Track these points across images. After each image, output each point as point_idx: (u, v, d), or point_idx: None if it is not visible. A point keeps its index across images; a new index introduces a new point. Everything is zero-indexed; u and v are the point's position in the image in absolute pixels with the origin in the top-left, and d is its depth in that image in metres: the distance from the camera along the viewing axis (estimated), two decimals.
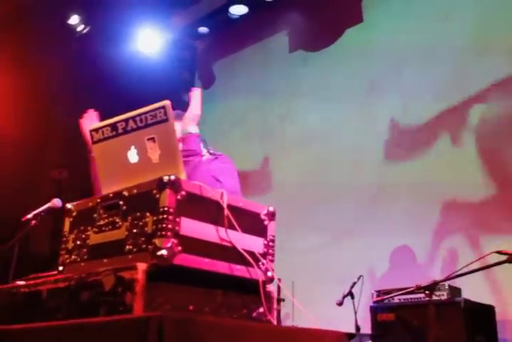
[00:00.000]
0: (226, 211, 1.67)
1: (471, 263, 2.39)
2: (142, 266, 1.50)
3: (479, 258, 2.36)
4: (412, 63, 4.98)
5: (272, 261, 1.82)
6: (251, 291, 1.74)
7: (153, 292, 1.50)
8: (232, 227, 1.69)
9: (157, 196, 1.57)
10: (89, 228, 1.79)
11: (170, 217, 1.54)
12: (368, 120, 5.13)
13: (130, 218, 1.64)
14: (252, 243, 1.77)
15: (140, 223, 1.59)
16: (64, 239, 1.89)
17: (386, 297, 2.90)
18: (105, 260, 1.67)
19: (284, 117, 5.88)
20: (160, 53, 6.61)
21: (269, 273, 1.79)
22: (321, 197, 5.22)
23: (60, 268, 1.84)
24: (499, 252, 2.34)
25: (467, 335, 3.17)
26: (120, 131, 1.83)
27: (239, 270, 1.69)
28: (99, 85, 6.36)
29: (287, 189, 5.54)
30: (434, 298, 3.44)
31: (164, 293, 1.53)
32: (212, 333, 1.32)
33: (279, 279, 1.90)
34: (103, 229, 1.73)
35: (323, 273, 4.91)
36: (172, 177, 1.58)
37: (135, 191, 1.66)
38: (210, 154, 2.72)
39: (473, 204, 4.29)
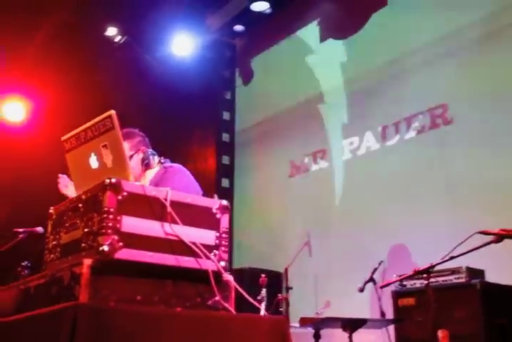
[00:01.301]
0: (169, 208, 1.81)
1: (457, 246, 2.38)
2: (87, 262, 1.67)
3: (463, 241, 2.35)
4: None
5: (225, 252, 1.94)
6: (205, 281, 1.87)
7: (99, 284, 1.66)
8: (179, 222, 1.83)
9: (101, 198, 1.74)
10: (61, 229, 1.99)
11: (111, 216, 1.71)
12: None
13: (85, 219, 1.82)
14: (203, 235, 1.90)
15: (90, 223, 1.77)
16: (47, 239, 2.11)
17: (391, 282, 2.92)
18: (69, 257, 1.87)
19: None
20: (199, 55, 6.82)
21: (223, 263, 1.92)
22: None
23: (44, 266, 2.07)
24: (482, 232, 2.32)
25: (484, 318, 3.11)
26: (82, 140, 2.02)
27: (187, 261, 1.83)
28: (142, 91, 6.68)
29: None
30: (454, 281, 3.43)
31: (110, 285, 1.69)
32: (129, 321, 1.47)
33: (231, 271, 2.00)
34: (69, 229, 1.92)
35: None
36: (113, 180, 1.74)
37: (88, 194, 1.84)
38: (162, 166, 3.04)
39: None
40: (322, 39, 5.96)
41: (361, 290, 3.69)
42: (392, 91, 5.21)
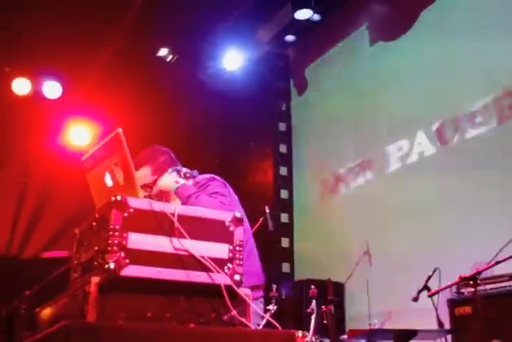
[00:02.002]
0: (176, 223, 1.79)
1: (500, 250, 2.21)
2: (95, 280, 1.68)
3: (505, 245, 2.18)
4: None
5: (239, 265, 1.90)
6: (220, 296, 1.83)
7: (107, 302, 1.67)
8: (189, 237, 1.81)
9: (108, 216, 1.76)
10: (81, 248, 2.03)
11: (117, 233, 1.71)
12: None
13: (97, 237, 1.85)
14: (215, 249, 1.87)
15: (99, 241, 1.79)
16: (73, 259, 2.16)
17: (439, 290, 2.75)
18: (86, 276, 1.89)
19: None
20: (252, 68, 6.86)
21: (237, 277, 1.88)
22: None
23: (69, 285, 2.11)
24: None
25: None
26: (97, 160, 2.06)
27: (198, 276, 1.80)
28: (200, 107, 6.79)
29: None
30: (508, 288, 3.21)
31: (119, 303, 1.69)
32: (122, 339, 1.46)
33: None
34: (87, 248, 1.95)
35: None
36: (118, 198, 1.75)
37: (100, 213, 1.87)
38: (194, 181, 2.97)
39: None
40: (372, 42, 5.83)
41: (416, 299, 3.51)
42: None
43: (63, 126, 7.34)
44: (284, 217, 6.67)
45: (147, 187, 3.02)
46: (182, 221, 1.82)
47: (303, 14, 5.83)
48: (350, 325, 5.52)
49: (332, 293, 3.70)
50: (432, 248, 4.79)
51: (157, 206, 1.81)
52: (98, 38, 6.32)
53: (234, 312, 1.84)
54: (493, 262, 2.33)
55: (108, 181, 2.01)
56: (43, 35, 6.35)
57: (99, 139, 7.26)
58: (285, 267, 6.47)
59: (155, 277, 1.74)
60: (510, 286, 3.20)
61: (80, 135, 7.43)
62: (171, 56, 6.12)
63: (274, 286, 4.02)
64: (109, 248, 1.70)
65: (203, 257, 1.80)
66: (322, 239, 6.11)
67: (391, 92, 5.63)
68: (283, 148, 6.93)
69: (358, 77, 6.03)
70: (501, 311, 3.09)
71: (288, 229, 6.63)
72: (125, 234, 1.73)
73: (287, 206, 6.70)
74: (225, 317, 1.85)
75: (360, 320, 5.14)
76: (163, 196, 3.00)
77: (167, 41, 6.24)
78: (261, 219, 4.52)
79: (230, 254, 1.89)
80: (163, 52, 6.12)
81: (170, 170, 3.01)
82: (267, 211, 4.47)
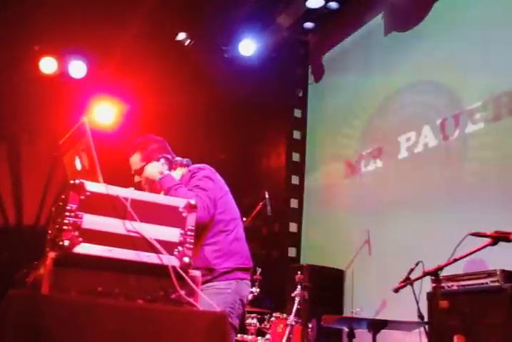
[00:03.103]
0: (128, 207, 1.94)
1: (456, 247, 2.28)
2: (51, 255, 1.86)
3: (459, 244, 2.25)
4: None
5: (189, 248, 2.04)
6: (170, 276, 1.98)
7: (61, 276, 1.84)
8: (142, 220, 1.96)
9: (67, 198, 1.92)
10: (51, 225, 2.20)
11: (72, 214, 1.88)
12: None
13: (59, 216, 2.01)
14: (167, 233, 2.01)
15: (59, 220, 1.96)
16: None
17: (401, 285, 2.84)
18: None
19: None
20: (271, 54, 6.92)
21: (186, 259, 2.02)
22: None
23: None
24: (474, 234, 2.19)
25: None
26: (69, 145, 2.22)
27: (148, 257, 1.95)
28: (218, 92, 6.92)
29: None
30: (491, 284, 3.27)
31: (72, 277, 1.85)
32: (58, 308, 1.63)
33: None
34: (52, 226, 2.13)
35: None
36: (76, 182, 1.91)
37: (64, 195, 2.03)
38: (188, 169, 3.09)
39: None
40: (386, 32, 5.82)
41: (396, 290, 3.59)
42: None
43: (88, 104, 7.58)
44: (293, 203, 6.79)
45: (138, 173, 3.15)
46: (137, 206, 1.97)
47: (315, 3, 5.86)
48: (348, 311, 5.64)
49: (309, 279, 3.80)
50: (430, 239, 4.83)
51: (113, 190, 1.96)
52: (121, 20, 6.48)
53: (181, 292, 1.99)
54: (451, 259, 2.40)
55: (78, 165, 2.18)
56: (70, 16, 6.55)
57: (122, 117, 7.51)
58: (292, 252, 6.61)
59: (106, 255, 1.89)
60: (487, 283, 3.25)
61: (104, 113, 7.66)
62: (189, 41, 6.23)
63: (259, 270, 4.17)
64: (64, 227, 1.86)
65: (152, 239, 1.95)
66: (329, 226, 6.22)
67: (401, 84, 5.64)
68: (297, 134, 7.01)
69: (371, 67, 6.04)
70: (476, 306, 3.16)
71: (297, 215, 6.75)
72: (80, 215, 1.88)
73: (298, 192, 6.81)
74: (173, 296, 2.00)
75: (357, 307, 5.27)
76: (155, 183, 3.11)
77: (185, 26, 6.35)
78: (260, 203, 4.65)
79: (181, 238, 2.03)
80: (181, 36, 6.24)
81: (159, 158, 3.10)
82: (266, 196, 4.60)
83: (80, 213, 1.89)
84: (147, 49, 6.53)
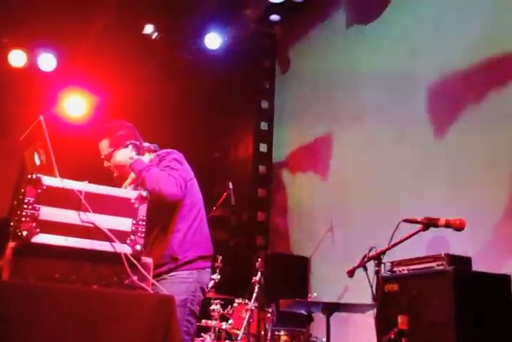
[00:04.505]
0: (82, 199, 2.09)
1: (393, 233, 2.47)
2: (11, 245, 2.00)
3: (395, 230, 2.44)
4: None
5: (141, 237, 2.19)
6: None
7: (21, 264, 1.99)
8: (96, 211, 2.11)
9: (25, 191, 2.06)
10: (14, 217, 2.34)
11: (30, 206, 2.02)
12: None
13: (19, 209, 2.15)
14: (120, 223, 2.16)
15: (18, 212, 2.09)
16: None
17: (352, 268, 3.03)
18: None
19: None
20: (239, 46, 7.03)
21: (138, 247, 2.18)
22: None
23: None
24: (407, 220, 2.38)
25: (456, 306, 3.11)
26: (29, 141, 2.35)
27: (102, 245, 2.10)
28: (186, 84, 7.03)
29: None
30: (437, 268, 3.49)
31: (31, 265, 2.00)
32: (17, 294, 1.77)
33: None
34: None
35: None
36: (34, 176, 2.05)
37: (23, 189, 2.16)
38: (156, 154, 3.21)
39: None
40: (348, 25, 6.00)
41: (350, 275, 3.79)
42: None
43: (59, 97, 7.63)
44: (261, 192, 6.97)
45: (107, 158, 3.27)
46: (91, 198, 2.11)
47: None
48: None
49: (264, 265, 3.98)
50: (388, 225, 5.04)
51: (68, 184, 2.10)
52: (88, 12, 6.54)
53: (134, 277, 2.15)
54: (391, 244, 2.59)
55: (37, 160, 2.31)
56: (38, 9, 6.59)
57: (93, 108, 7.58)
58: (260, 240, 6.81)
59: (63, 244, 2.04)
60: (433, 267, 3.46)
61: (75, 105, 7.70)
62: (156, 34, 6.32)
63: (220, 257, 4.34)
64: (23, 219, 2.00)
65: (104, 229, 2.10)
66: (295, 215, 6.42)
67: (364, 79, 5.82)
68: (264, 125, 7.18)
69: (334, 59, 6.21)
70: (423, 288, 3.36)
71: (265, 204, 6.93)
72: (37, 207, 2.03)
73: (265, 181, 6.99)
74: (126, 281, 2.16)
75: (321, 293, 5.48)
76: (124, 168, 3.23)
77: (152, 19, 6.43)
78: (224, 194, 4.81)
79: (133, 228, 2.19)
80: (149, 29, 6.33)
81: (127, 144, 3.18)
82: (231, 187, 4.75)
83: (37, 205, 2.03)
84: (115, 41, 6.60)
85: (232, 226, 6.88)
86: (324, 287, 5.50)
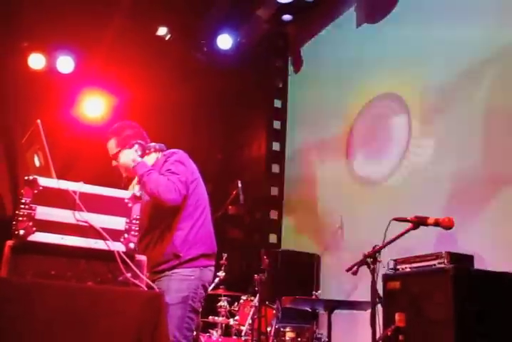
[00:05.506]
0: (77, 199, 2.18)
1: (385, 232, 2.51)
2: (9, 243, 2.11)
3: (386, 229, 2.47)
4: None
5: (134, 235, 2.28)
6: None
7: (18, 261, 2.09)
8: (90, 211, 2.20)
9: (22, 192, 2.16)
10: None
11: (27, 206, 2.12)
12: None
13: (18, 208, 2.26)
14: (114, 222, 2.25)
15: (16, 212, 2.20)
16: None
17: (350, 267, 3.06)
18: None
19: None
20: (252, 46, 7.10)
21: (131, 245, 2.27)
22: None
23: None
24: (397, 219, 2.41)
25: (456, 304, 3.13)
26: (29, 144, 2.46)
27: (96, 243, 2.20)
28: (200, 84, 7.12)
29: None
30: (438, 266, 3.51)
31: (28, 262, 2.11)
32: (13, 289, 1.87)
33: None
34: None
35: None
36: (30, 178, 2.15)
37: (22, 189, 2.27)
38: (163, 154, 3.28)
39: None
40: (358, 24, 6.02)
41: (354, 273, 3.82)
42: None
43: (77, 99, 7.79)
44: (274, 190, 7.04)
45: (114, 158, 3.36)
46: (85, 198, 2.21)
47: None
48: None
49: (268, 263, 4.04)
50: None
51: (64, 185, 2.20)
52: (104, 15, 6.68)
53: (127, 274, 2.24)
54: (385, 243, 2.63)
55: (36, 162, 2.42)
56: (56, 12, 6.76)
57: (111, 109, 7.72)
58: (272, 238, 6.88)
59: (58, 243, 2.14)
60: (434, 264, 3.48)
61: (93, 106, 7.86)
62: (169, 35, 6.42)
63: (225, 255, 4.41)
64: (20, 218, 2.11)
65: (99, 228, 2.20)
66: (307, 213, 6.47)
67: (376, 76, 5.84)
68: (277, 124, 7.24)
69: (345, 59, 6.23)
70: (424, 286, 3.39)
71: (278, 202, 7.00)
72: (33, 207, 2.13)
73: (278, 180, 7.05)
74: (120, 278, 2.25)
75: (331, 290, 5.53)
76: (129, 168, 3.26)
77: (165, 21, 6.54)
78: (234, 192, 4.87)
79: (127, 226, 2.27)
80: (162, 31, 6.43)
81: (132, 144, 3.24)
82: (240, 185, 4.80)
83: (34, 205, 2.13)
84: (131, 43, 6.73)
85: (246, 224, 6.96)
86: (334, 284, 5.54)
